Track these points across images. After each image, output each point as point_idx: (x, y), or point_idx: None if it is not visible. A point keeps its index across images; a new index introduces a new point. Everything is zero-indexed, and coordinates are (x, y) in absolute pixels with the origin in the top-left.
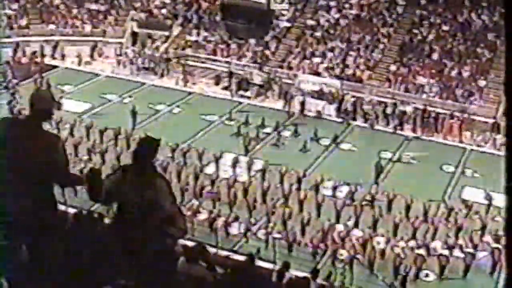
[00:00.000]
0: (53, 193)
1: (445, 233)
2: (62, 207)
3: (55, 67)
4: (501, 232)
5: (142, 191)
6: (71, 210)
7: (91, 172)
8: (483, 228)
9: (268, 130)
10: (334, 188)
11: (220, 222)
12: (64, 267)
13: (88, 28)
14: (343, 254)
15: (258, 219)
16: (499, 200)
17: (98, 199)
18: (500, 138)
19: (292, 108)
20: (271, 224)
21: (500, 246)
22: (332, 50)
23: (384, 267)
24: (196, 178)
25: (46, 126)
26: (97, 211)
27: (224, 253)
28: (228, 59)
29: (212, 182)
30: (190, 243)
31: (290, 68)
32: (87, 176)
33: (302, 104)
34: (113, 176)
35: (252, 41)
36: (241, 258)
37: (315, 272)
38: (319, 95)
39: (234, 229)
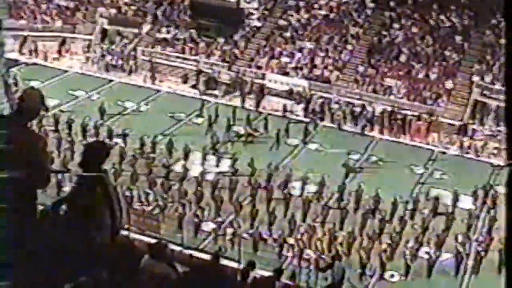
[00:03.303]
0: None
1: (411, 234)
2: None
3: (22, 62)
4: (463, 235)
5: (82, 193)
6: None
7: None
8: (448, 229)
9: (236, 128)
10: (302, 188)
11: (188, 219)
12: (26, 264)
13: (58, 23)
14: (310, 254)
15: (225, 217)
16: (465, 202)
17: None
18: (467, 140)
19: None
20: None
21: (462, 249)
22: (300, 50)
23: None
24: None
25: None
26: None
27: (189, 251)
28: (196, 58)
29: (181, 180)
30: (153, 241)
31: (258, 67)
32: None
33: (258, 102)
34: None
35: (221, 40)
36: (206, 256)
37: (279, 272)
38: (288, 94)
39: (205, 227)
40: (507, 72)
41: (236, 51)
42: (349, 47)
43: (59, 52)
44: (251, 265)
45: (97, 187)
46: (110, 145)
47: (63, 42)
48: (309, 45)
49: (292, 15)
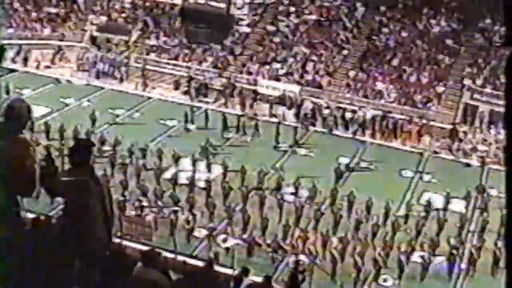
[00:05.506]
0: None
1: (404, 238)
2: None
3: (13, 70)
4: (455, 238)
5: (75, 193)
6: (29, 215)
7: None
8: (441, 233)
9: (228, 134)
10: (295, 193)
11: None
12: (20, 273)
13: (46, 31)
14: (303, 259)
15: (218, 223)
16: (457, 205)
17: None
18: (458, 144)
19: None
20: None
21: (455, 252)
22: (292, 55)
23: (344, 272)
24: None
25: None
26: (55, 216)
27: (182, 258)
28: (188, 64)
29: (173, 187)
30: (146, 248)
31: (249, 73)
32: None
33: (243, 106)
34: (61, 175)
35: (214, 46)
36: (200, 263)
37: (268, 278)
38: (279, 100)
39: (197, 233)
40: (508, 74)
41: (229, 57)
42: (344, 51)
43: (52, 60)
44: (244, 272)
45: (93, 186)
46: (91, 141)
47: (58, 51)
48: (299, 50)
49: (282, 20)
